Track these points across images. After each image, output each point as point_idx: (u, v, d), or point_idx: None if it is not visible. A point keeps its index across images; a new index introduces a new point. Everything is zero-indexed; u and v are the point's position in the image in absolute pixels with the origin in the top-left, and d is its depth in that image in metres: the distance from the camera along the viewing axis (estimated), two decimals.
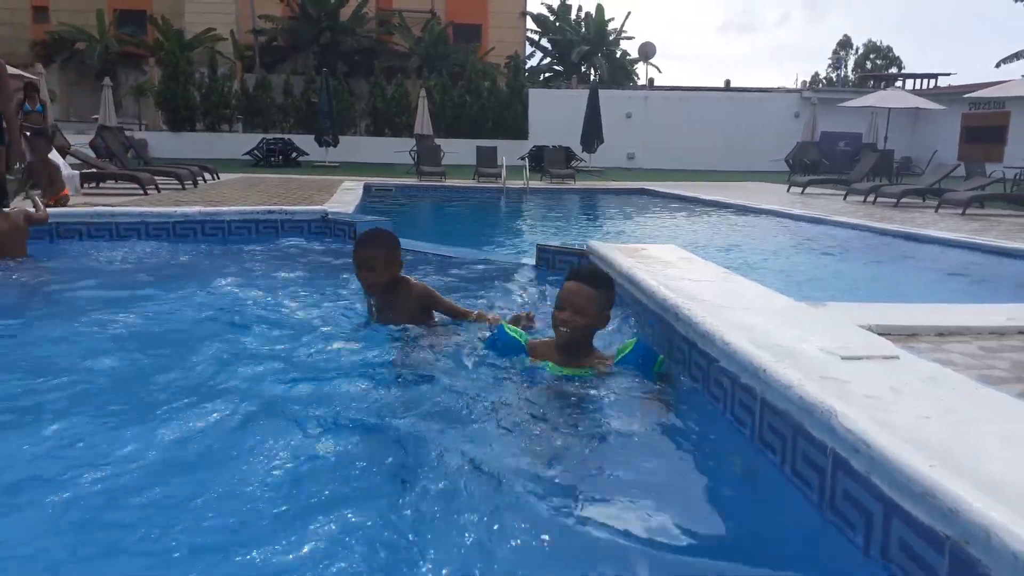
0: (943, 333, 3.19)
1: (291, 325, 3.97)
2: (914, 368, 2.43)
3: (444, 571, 1.80)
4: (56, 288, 5.15)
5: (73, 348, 3.56)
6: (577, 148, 22.92)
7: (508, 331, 3.29)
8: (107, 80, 20.48)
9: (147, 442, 2.49)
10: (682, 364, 3.15)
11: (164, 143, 26.42)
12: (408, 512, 2.04)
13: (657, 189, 16.30)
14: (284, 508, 2.08)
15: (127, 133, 19.88)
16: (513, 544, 1.92)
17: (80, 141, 16.06)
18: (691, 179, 20.36)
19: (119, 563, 1.87)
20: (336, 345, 3.57)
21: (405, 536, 1.94)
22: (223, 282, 5.10)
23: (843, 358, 2.47)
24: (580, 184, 17.83)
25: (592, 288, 3.08)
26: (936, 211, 12.37)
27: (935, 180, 14.80)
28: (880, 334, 2.92)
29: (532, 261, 5.87)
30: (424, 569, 1.81)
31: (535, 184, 16.60)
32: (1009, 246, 8.07)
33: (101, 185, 11.82)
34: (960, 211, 12.11)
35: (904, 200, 13.68)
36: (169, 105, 28.00)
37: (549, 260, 5.71)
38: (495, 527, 1.97)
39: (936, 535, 1.54)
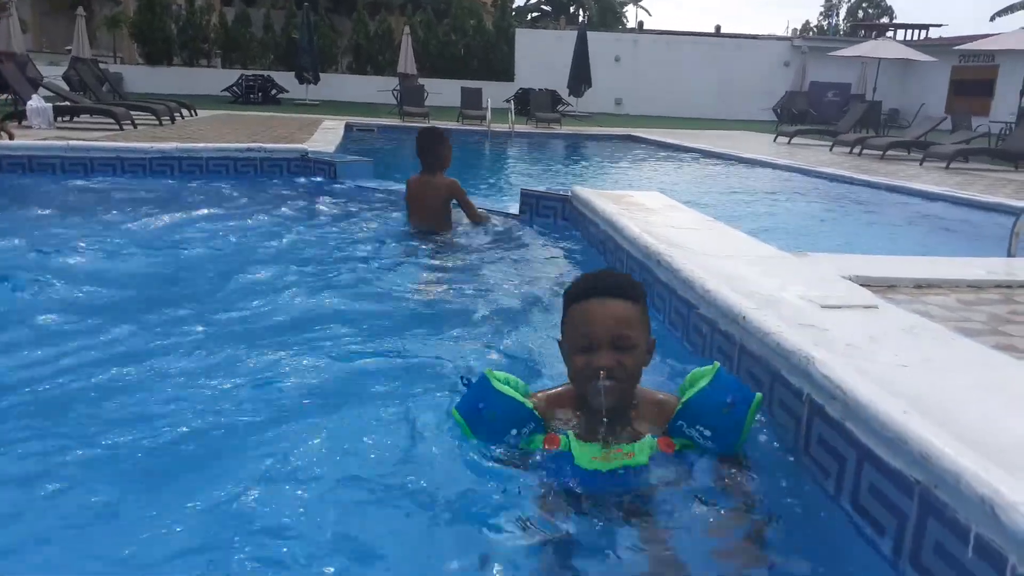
0: (922, 285, 3.21)
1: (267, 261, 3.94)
2: (893, 318, 2.44)
3: None
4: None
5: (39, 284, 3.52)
6: (564, 92, 22.57)
7: (497, 386, 1.92)
8: (80, 10, 19.71)
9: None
10: (663, 312, 3.16)
11: (140, 77, 25.67)
12: None
13: (644, 136, 16.16)
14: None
15: (102, 66, 19.27)
16: None
17: (53, 73, 15.58)
18: (678, 127, 20.18)
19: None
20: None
21: None
22: (201, 214, 5.06)
23: (823, 307, 2.48)
24: (566, 129, 17.62)
25: (633, 303, 1.88)
26: (921, 164, 12.37)
27: (921, 133, 14.75)
28: (860, 285, 2.93)
29: (515, 206, 5.81)
30: None
31: (520, 128, 16.40)
32: (990, 200, 8.11)
33: (75, 119, 11.53)
34: (944, 164, 12.12)
35: (890, 152, 13.65)
36: (145, 38, 27.12)
37: (533, 205, 5.66)
38: None
39: (906, 480, 1.57)
